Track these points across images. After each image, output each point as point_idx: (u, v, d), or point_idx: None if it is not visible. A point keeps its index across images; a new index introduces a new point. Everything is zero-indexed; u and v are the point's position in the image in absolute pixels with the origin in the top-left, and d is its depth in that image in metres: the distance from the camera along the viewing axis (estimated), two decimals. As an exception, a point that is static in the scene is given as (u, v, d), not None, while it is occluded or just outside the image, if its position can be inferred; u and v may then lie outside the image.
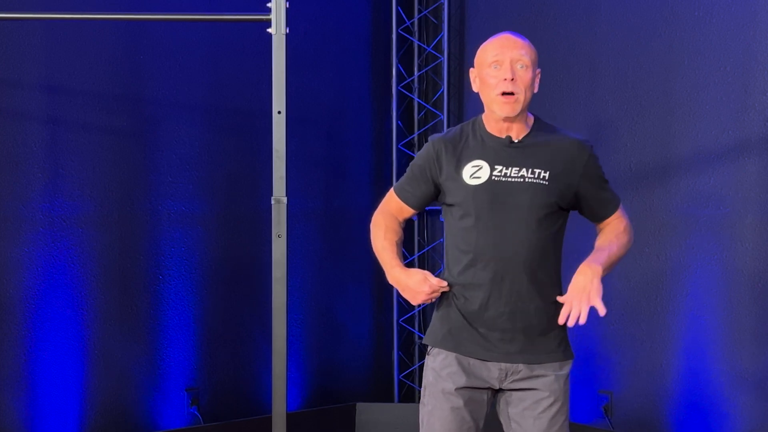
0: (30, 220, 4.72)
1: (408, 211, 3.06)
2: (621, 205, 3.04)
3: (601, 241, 2.98)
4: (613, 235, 2.98)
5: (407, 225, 3.15)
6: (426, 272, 2.92)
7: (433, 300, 2.96)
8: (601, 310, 2.77)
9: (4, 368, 4.66)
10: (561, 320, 2.80)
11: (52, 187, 4.78)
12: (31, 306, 4.73)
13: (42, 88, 4.77)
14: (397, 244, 3.02)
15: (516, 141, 2.90)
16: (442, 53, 5.89)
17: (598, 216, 3.01)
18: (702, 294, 4.66)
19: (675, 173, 4.79)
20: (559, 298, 2.86)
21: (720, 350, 4.60)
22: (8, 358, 4.67)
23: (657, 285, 4.84)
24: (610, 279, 4.96)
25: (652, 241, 4.85)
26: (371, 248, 3.08)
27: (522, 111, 2.88)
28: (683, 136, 4.75)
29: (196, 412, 5.17)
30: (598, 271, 2.81)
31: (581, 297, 2.77)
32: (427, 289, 2.88)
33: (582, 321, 2.78)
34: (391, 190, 3.09)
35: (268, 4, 3.93)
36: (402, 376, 5.96)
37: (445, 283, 2.91)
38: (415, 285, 2.90)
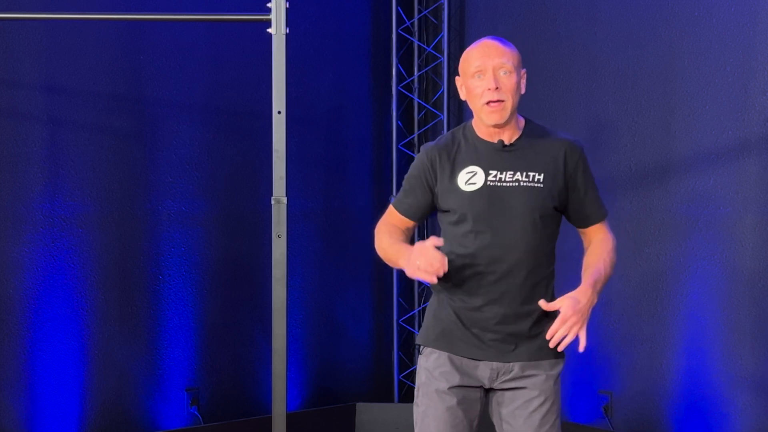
0: (30, 220, 4.72)
1: (409, 224, 3.04)
2: (606, 220, 3.01)
3: (593, 260, 2.94)
4: (605, 252, 2.94)
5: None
6: (423, 244, 2.74)
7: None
8: (582, 344, 2.80)
9: (4, 368, 4.66)
10: (548, 335, 2.80)
11: (52, 187, 4.78)
12: (31, 306, 4.73)
13: (42, 88, 4.77)
14: (403, 241, 2.97)
15: (508, 144, 2.91)
16: (442, 53, 5.89)
17: (585, 219, 2.98)
18: (702, 294, 4.66)
19: (675, 173, 4.79)
20: (554, 310, 2.83)
21: (720, 350, 4.60)
22: (8, 358, 4.67)
23: (657, 285, 4.84)
24: (610, 279, 4.97)
25: (652, 241, 4.85)
26: (371, 248, 3.07)
27: (511, 116, 2.88)
28: (683, 136, 4.75)
29: (196, 412, 5.17)
30: (594, 301, 2.83)
31: (575, 321, 2.78)
32: (423, 265, 2.72)
33: (562, 346, 2.81)
34: (390, 206, 3.07)
35: (268, 4, 3.93)
36: (402, 376, 5.96)
37: (438, 242, 2.75)
38: (417, 261, 2.73)
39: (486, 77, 2.84)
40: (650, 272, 4.86)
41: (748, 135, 4.51)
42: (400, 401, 5.90)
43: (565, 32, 5.27)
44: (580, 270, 2.93)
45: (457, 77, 2.97)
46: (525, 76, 2.92)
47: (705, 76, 4.65)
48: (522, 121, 2.95)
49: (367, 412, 5.60)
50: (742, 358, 4.52)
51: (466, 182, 2.90)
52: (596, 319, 5.05)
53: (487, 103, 2.84)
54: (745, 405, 4.50)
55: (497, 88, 2.82)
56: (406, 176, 3.04)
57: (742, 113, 4.52)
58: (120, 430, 4.96)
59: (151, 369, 5.06)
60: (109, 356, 4.93)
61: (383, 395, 5.92)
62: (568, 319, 2.78)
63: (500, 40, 2.90)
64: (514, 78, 2.85)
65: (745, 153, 4.51)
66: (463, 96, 2.95)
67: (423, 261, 2.72)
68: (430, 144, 3.00)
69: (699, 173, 4.68)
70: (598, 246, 2.97)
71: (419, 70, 6.00)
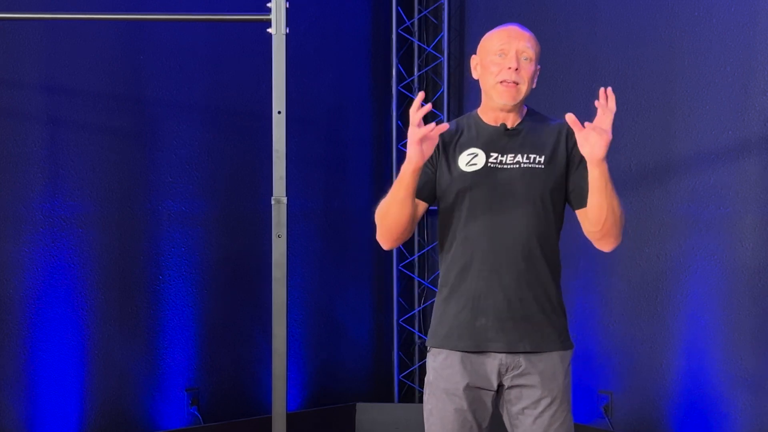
0: (30, 220, 4.72)
1: (419, 206, 2.95)
2: None
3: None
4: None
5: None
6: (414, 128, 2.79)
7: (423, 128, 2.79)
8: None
9: (4, 368, 4.66)
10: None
11: (52, 187, 4.78)
12: (31, 306, 4.73)
13: (42, 88, 4.77)
14: None
15: (511, 128, 2.91)
16: (442, 53, 5.89)
17: (585, 197, 2.87)
18: (702, 294, 4.66)
19: (675, 173, 4.79)
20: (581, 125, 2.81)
21: (720, 350, 4.60)
22: (8, 358, 4.67)
23: (657, 285, 4.84)
24: (610, 279, 4.98)
25: (652, 241, 4.85)
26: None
27: (520, 102, 2.90)
28: (683, 136, 4.75)
29: (196, 412, 5.17)
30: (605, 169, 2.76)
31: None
32: (417, 134, 2.78)
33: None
34: None
35: (268, 4, 3.93)
36: (402, 376, 5.96)
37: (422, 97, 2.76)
38: (410, 137, 2.82)
39: (507, 57, 2.86)
40: (650, 272, 4.86)
41: (748, 135, 4.51)
42: (400, 401, 5.90)
43: (565, 32, 5.27)
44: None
45: (473, 56, 2.96)
46: (539, 71, 2.93)
47: (705, 76, 4.65)
48: (525, 109, 2.99)
49: (367, 412, 5.60)
50: (742, 358, 4.52)
51: (467, 164, 2.90)
52: (596, 319, 5.05)
53: (502, 82, 2.85)
54: (745, 405, 4.50)
55: (516, 69, 2.84)
56: None
57: (742, 113, 4.52)
58: (120, 430, 4.96)
59: (151, 369, 5.06)
60: (109, 356, 4.93)
61: (383, 395, 5.92)
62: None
63: (526, 29, 2.93)
64: (532, 66, 2.89)
65: (745, 153, 4.51)
66: (476, 75, 2.95)
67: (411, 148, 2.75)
68: None
69: (699, 173, 4.68)
70: None
71: (419, 70, 6.00)
